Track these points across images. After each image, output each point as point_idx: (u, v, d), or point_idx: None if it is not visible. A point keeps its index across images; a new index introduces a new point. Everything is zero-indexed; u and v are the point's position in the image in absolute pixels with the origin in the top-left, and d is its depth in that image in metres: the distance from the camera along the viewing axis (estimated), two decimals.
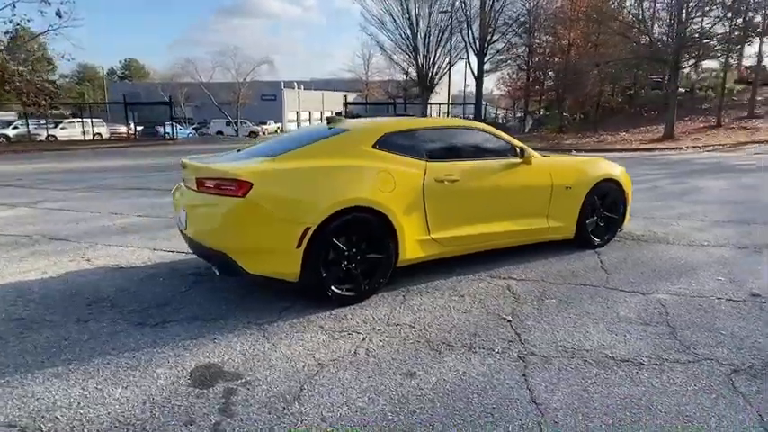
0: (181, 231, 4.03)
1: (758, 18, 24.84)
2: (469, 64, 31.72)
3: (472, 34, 30.45)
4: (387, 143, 4.06)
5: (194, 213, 3.68)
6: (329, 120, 4.50)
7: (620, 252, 5.10)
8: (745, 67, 27.94)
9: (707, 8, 23.26)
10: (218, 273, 3.64)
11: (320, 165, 3.72)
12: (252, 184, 3.39)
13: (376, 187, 3.78)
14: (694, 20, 23.56)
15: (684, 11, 22.88)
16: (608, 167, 5.28)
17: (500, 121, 40.51)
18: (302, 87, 65.44)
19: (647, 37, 24.80)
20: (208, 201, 3.58)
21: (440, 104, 37.17)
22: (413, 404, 2.49)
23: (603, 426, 2.32)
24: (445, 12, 29.42)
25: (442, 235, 4.14)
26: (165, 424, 2.33)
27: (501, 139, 4.72)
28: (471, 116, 40.15)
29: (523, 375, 2.74)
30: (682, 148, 19.79)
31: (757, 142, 19.93)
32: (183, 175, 4.15)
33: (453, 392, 2.58)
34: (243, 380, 2.71)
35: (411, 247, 3.97)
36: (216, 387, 2.64)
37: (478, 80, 32.08)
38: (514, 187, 4.54)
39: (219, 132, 45.56)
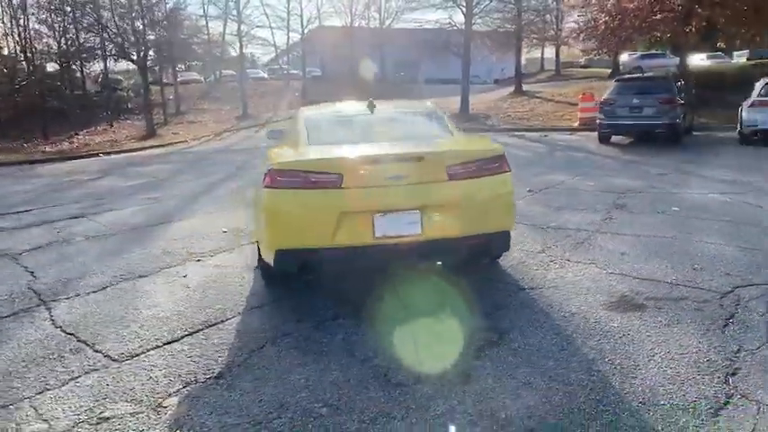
0: (364, 245, 3.31)
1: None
2: None
3: None
4: None
5: (462, 205, 3.43)
6: (370, 104, 4.48)
7: None
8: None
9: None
10: (491, 259, 4.12)
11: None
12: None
13: None
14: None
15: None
16: None
17: None
18: None
19: None
20: (482, 184, 3.50)
21: None
22: None
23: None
24: None
25: None
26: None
27: None
28: None
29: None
30: (185, 142, 20.77)
31: (228, 130, 23.90)
32: (369, 176, 3.35)
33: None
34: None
35: None
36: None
37: None
38: None
39: None
